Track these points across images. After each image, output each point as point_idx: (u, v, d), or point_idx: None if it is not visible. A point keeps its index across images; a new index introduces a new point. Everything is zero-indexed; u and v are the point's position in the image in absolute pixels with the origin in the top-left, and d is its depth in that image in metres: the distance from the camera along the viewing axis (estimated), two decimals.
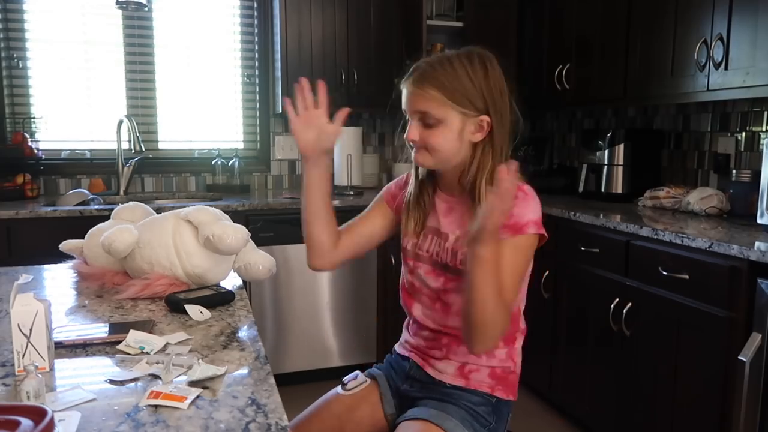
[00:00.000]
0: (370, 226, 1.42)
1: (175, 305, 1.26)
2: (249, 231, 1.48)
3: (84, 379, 0.94)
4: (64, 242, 1.58)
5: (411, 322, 1.40)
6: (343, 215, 3.11)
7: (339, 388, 1.41)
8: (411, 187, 1.34)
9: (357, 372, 1.44)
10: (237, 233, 1.39)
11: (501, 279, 1.11)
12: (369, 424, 1.36)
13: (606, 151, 2.80)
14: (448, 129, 1.19)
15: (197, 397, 0.87)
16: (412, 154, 1.26)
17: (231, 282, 1.53)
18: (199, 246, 1.40)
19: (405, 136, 1.24)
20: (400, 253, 1.40)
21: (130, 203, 1.63)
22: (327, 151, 1.31)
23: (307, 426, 1.35)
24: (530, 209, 1.18)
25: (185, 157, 3.40)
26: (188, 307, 1.24)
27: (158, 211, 1.61)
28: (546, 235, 1.20)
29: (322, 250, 1.36)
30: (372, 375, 1.43)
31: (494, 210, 1.02)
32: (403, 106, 1.24)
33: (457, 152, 1.21)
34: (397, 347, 1.45)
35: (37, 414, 0.64)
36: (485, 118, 1.19)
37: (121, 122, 3.12)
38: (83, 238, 1.56)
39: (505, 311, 1.12)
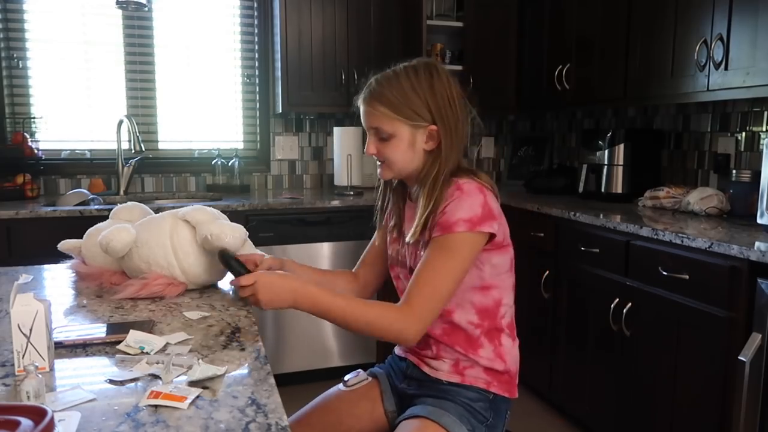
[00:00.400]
0: (381, 251, 1.47)
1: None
2: (248, 231, 1.48)
3: (84, 379, 0.94)
4: (62, 242, 1.58)
5: None
6: (343, 215, 3.11)
7: (340, 385, 1.43)
8: (383, 196, 1.43)
9: (359, 370, 1.46)
10: (235, 232, 1.39)
11: (417, 278, 1.18)
12: (368, 420, 1.37)
13: (606, 151, 2.80)
14: (400, 141, 1.25)
15: (197, 397, 0.87)
16: (377, 170, 1.34)
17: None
18: (196, 246, 1.40)
19: (364, 150, 1.32)
20: None
21: (129, 203, 1.63)
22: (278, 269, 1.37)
23: (307, 420, 1.36)
24: (463, 208, 1.19)
25: (185, 157, 3.40)
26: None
27: (158, 211, 1.60)
28: (491, 233, 1.21)
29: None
30: (373, 373, 1.44)
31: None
32: (362, 122, 1.31)
33: (411, 161, 1.27)
34: (396, 348, 1.47)
35: (37, 414, 0.64)
36: (433, 127, 1.24)
37: (121, 122, 3.12)
38: (83, 238, 1.56)
39: (382, 314, 1.17)
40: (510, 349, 1.32)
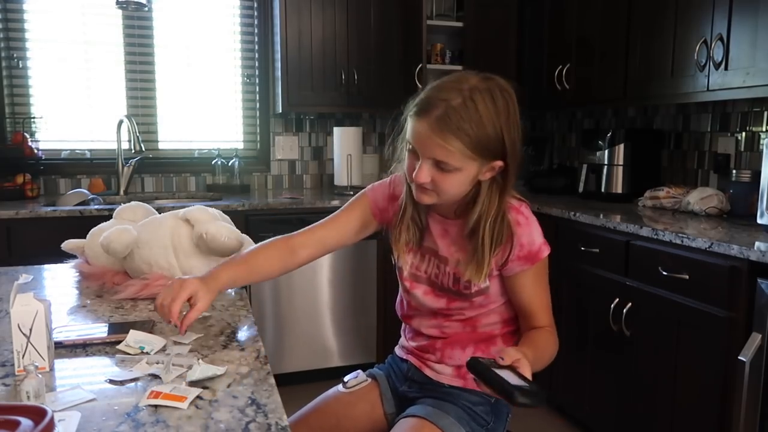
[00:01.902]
0: (342, 231, 1.35)
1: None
2: (248, 231, 1.48)
3: (84, 379, 0.94)
4: (66, 242, 1.58)
5: (407, 329, 1.42)
6: None
7: (339, 386, 1.42)
8: (403, 203, 1.28)
9: (358, 371, 1.45)
10: (231, 234, 1.39)
11: (535, 304, 1.26)
12: (367, 422, 1.37)
13: (606, 151, 2.80)
14: (464, 176, 1.12)
15: (197, 397, 0.87)
16: (413, 190, 1.19)
17: None
18: (197, 246, 1.40)
19: (413, 176, 1.13)
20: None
21: (132, 203, 1.63)
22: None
23: (305, 422, 1.35)
24: (536, 232, 1.21)
25: (185, 157, 3.40)
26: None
27: (159, 211, 1.61)
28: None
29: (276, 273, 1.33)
30: (373, 375, 1.43)
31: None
32: (411, 139, 1.13)
33: (463, 191, 1.17)
34: (397, 349, 1.46)
35: (37, 414, 0.64)
36: (500, 163, 1.13)
37: (121, 122, 3.12)
38: (83, 237, 1.56)
39: (552, 340, 1.27)
40: None
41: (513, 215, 1.19)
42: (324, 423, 1.35)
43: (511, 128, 1.12)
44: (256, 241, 1.55)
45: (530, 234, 1.20)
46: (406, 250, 1.31)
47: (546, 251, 1.22)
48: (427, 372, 1.33)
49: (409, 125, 1.13)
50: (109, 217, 1.62)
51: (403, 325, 1.44)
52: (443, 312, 1.30)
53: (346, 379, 1.43)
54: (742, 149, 2.46)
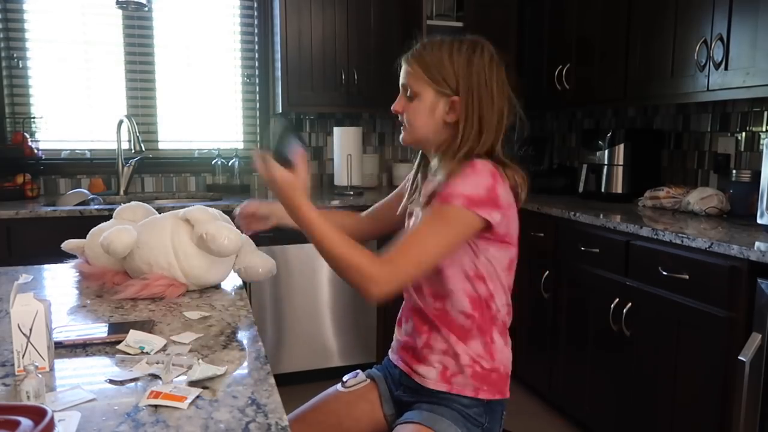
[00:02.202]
0: (390, 212, 1.50)
1: None
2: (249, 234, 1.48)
3: (84, 379, 0.94)
4: (66, 242, 1.58)
5: (400, 314, 1.41)
6: None
7: (339, 386, 1.42)
8: (416, 171, 1.40)
9: (357, 371, 1.45)
10: (231, 234, 1.39)
11: (405, 237, 1.15)
12: (368, 422, 1.37)
13: (606, 151, 2.80)
14: (423, 103, 1.26)
15: (197, 397, 0.87)
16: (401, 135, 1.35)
17: (230, 282, 1.53)
18: (197, 246, 1.40)
19: (392, 107, 1.32)
20: None
21: (132, 203, 1.63)
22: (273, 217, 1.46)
23: (304, 419, 1.35)
24: (467, 184, 1.16)
25: (185, 157, 3.40)
26: None
27: (159, 211, 1.61)
28: (487, 219, 1.16)
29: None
30: (371, 376, 1.43)
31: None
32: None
33: (429, 129, 1.26)
34: (390, 353, 1.45)
35: (37, 414, 0.64)
36: (456, 98, 1.23)
37: (121, 122, 3.12)
38: (83, 237, 1.56)
39: (366, 260, 1.10)
40: (501, 348, 1.29)
41: (466, 165, 1.19)
42: (324, 422, 1.35)
43: (472, 71, 1.23)
44: (256, 241, 1.56)
45: (462, 181, 1.16)
46: (407, 215, 1.40)
47: (458, 201, 1.14)
48: (415, 378, 1.32)
49: None
50: (109, 217, 1.62)
51: (398, 315, 1.43)
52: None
53: (345, 378, 1.43)
54: (742, 149, 2.46)
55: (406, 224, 1.40)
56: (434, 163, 1.29)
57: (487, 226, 1.18)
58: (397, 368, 1.38)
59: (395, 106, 1.31)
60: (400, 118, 1.31)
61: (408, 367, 1.34)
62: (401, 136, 1.33)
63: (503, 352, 1.30)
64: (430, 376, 1.29)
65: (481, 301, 1.26)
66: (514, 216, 1.25)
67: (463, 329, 1.27)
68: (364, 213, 1.57)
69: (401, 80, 1.30)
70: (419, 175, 1.38)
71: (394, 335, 1.44)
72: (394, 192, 1.53)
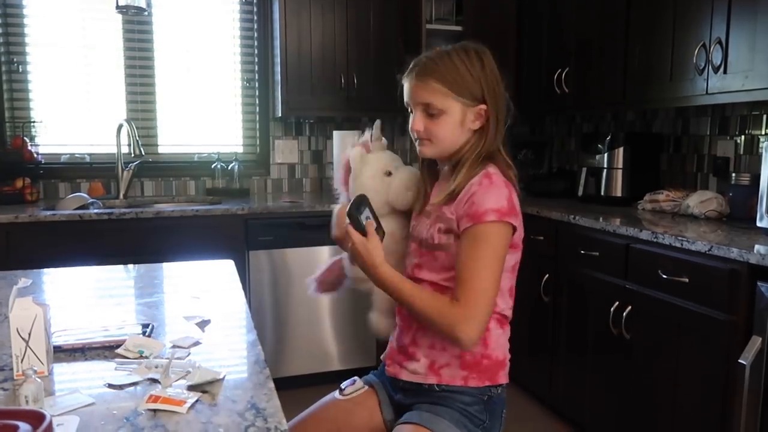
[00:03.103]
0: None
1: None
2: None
3: (83, 383, 0.94)
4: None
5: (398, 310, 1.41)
6: None
7: (336, 393, 1.41)
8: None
9: (355, 378, 1.44)
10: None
11: (463, 273, 1.17)
12: (367, 429, 1.36)
13: (605, 155, 2.80)
14: (451, 118, 1.25)
15: (196, 401, 0.87)
16: (417, 147, 1.32)
17: (230, 286, 1.53)
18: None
19: (410, 127, 1.30)
20: None
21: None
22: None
23: (302, 428, 1.35)
24: (491, 198, 1.19)
25: (185, 161, 3.40)
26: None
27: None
28: (514, 225, 1.22)
29: None
30: (369, 382, 1.42)
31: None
32: (406, 99, 1.31)
33: (458, 140, 1.27)
34: (384, 357, 1.44)
35: (36, 418, 0.64)
36: (483, 106, 1.25)
37: (120, 126, 3.12)
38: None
39: (440, 308, 1.18)
40: (498, 336, 1.29)
41: (481, 176, 1.23)
42: (323, 430, 1.34)
43: (488, 76, 1.25)
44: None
45: (485, 196, 1.19)
46: (414, 216, 1.38)
47: (491, 217, 1.17)
48: (404, 376, 1.31)
49: (402, 89, 1.31)
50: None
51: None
52: (415, 272, 1.31)
53: (342, 386, 1.42)
54: (742, 152, 2.46)
55: (412, 230, 1.37)
56: (446, 169, 1.33)
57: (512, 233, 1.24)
58: (387, 374, 1.37)
59: (416, 126, 1.28)
60: (417, 134, 1.29)
61: (399, 367, 1.34)
62: (421, 150, 1.31)
63: (498, 340, 1.30)
64: (419, 370, 1.30)
65: None
66: (521, 219, 1.28)
67: None
68: None
69: (415, 98, 1.27)
70: (427, 181, 1.37)
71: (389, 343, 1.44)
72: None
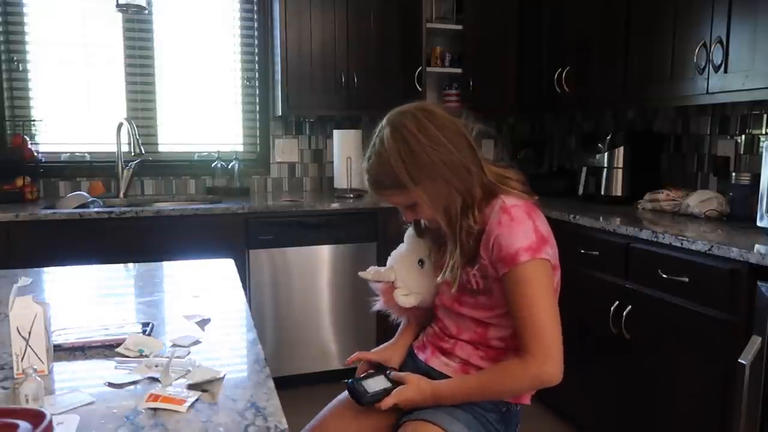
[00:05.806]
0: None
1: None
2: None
3: (83, 382, 0.94)
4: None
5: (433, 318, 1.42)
6: (342, 218, 3.10)
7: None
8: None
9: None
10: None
11: (519, 321, 1.16)
12: (387, 423, 1.35)
13: (605, 154, 2.80)
14: (425, 202, 1.23)
15: (196, 400, 0.87)
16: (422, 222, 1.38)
17: (229, 284, 1.53)
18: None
19: (404, 218, 1.35)
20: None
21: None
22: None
23: (321, 427, 1.34)
24: (518, 237, 1.17)
25: (185, 159, 3.40)
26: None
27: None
28: (547, 258, 1.19)
29: None
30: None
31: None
32: None
33: (450, 204, 1.23)
34: (414, 346, 1.44)
35: (36, 417, 0.64)
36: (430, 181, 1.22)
37: (120, 125, 3.12)
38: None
39: (513, 370, 1.19)
40: None
41: (499, 211, 1.20)
42: (344, 425, 1.34)
43: (418, 152, 1.19)
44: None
45: (511, 236, 1.17)
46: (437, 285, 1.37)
47: (524, 257, 1.15)
48: (434, 363, 1.33)
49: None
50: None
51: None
52: (457, 301, 1.31)
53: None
54: (742, 152, 2.46)
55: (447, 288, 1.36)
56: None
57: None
58: (422, 360, 1.37)
59: (407, 218, 1.34)
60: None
61: (434, 348, 1.35)
62: (425, 224, 1.36)
63: None
64: (452, 365, 1.32)
65: None
66: (552, 237, 1.27)
67: (495, 350, 1.29)
68: None
69: (388, 203, 1.30)
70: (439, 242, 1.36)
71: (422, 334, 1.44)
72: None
